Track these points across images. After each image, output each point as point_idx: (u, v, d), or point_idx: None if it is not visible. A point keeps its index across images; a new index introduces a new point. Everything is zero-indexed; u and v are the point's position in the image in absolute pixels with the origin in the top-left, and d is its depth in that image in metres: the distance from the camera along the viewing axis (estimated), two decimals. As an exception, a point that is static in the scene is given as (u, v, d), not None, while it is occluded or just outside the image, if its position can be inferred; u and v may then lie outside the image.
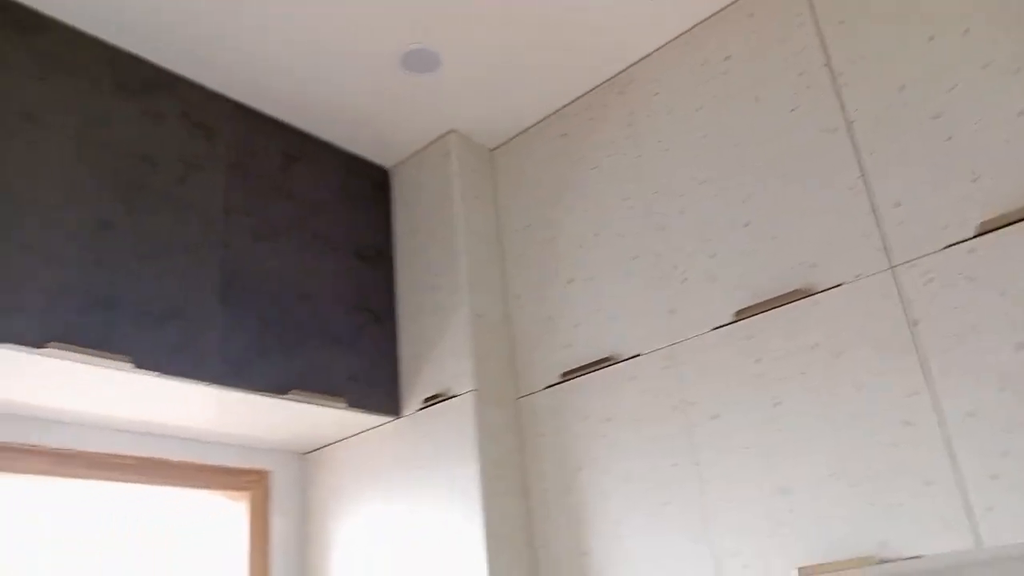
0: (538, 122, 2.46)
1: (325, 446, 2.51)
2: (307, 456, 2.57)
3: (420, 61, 2.17)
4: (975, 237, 1.55)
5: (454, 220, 2.35)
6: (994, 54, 1.60)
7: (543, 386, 2.19)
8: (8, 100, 1.77)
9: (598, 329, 2.11)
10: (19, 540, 1.92)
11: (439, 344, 2.27)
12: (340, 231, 2.39)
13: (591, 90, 2.34)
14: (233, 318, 2.02)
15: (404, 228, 2.52)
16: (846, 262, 1.71)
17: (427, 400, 2.23)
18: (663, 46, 2.19)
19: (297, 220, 2.28)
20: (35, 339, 1.64)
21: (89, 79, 1.94)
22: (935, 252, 1.59)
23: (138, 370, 1.79)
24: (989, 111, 1.58)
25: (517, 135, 2.51)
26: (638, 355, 2.01)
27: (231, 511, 2.37)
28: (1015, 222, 1.50)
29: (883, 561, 1.50)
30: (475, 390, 2.13)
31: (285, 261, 2.20)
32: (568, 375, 2.13)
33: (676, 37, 2.16)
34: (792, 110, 1.88)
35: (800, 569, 1.59)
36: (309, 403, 2.10)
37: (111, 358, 1.74)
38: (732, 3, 2.06)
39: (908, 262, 1.62)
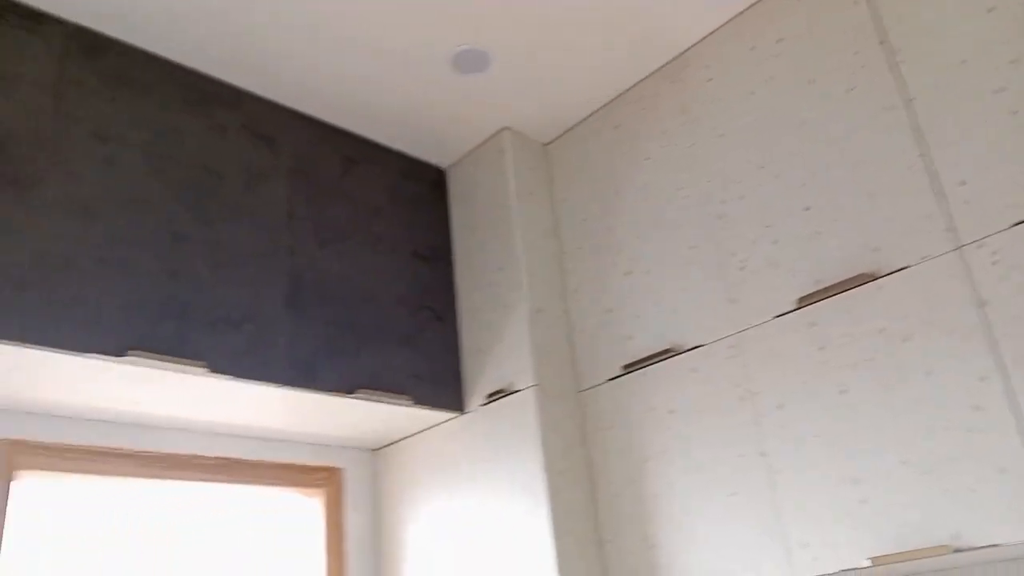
0: (590, 115, 2.46)
1: (394, 443, 2.57)
2: (377, 452, 2.64)
3: (470, 61, 2.20)
4: (1046, 214, 1.50)
5: (511, 216, 2.37)
6: (1061, 22, 1.54)
7: (605, 379, 2.20)
8: (81, 121, 1.86)
9: (658, 320, 2.11)
10: (109, 539, 2.02)
11: (500, 340, 2.30)
12: (399, 232, 2.44)
13: (643, 80, 2.33)
14: (300, 321, 2.08)
15: (462, 226, 2.56)
16: (910, 244, 1.67)
17: (489, 396, 2.26)
18: (714, 31, 2.16)
19: (358, 223, 2.34)
20: (115, 349, 1.73)
21: (156, 97, 2.02)
22: (1003, 231, 1.54)
23: (212, 374, 1.86)
24: (1058, 82, 1.52)
25: (570, 129, 2.52)
26: (700, 345, 2.00)
27: (307, 508, 2.45)
28: (1089, 196, 1.45)
29: (957, 550, 1.47)
30: (536, 385, 2.15)
31: (347, 264, 2.26)
32: (629, 367, 2.13)
33: (727, 22, 2.14)
34: (849, 90, 1.84)
35: (873, 559, 1.56)
36: (376, 401, 2.16)
37: (187, 363, 1.82)
38: (784, -16, 2.03)
39: (975, 242, 1.57)
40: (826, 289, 1.77)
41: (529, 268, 2.31)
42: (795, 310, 1.83)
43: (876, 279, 1.70)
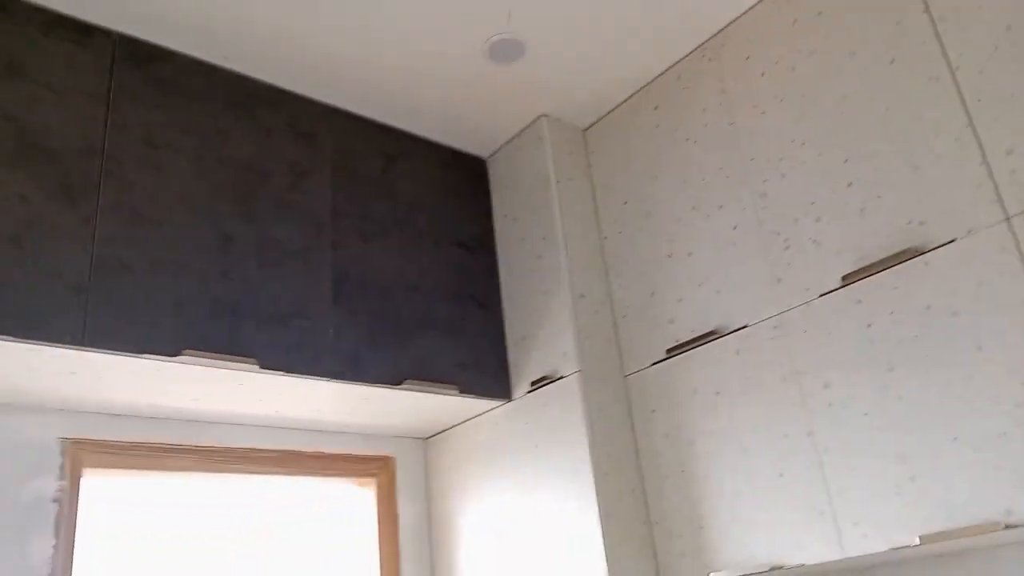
0: (628, 97, 2.45)
1: (444, 431, 2.61)
2: (428, 441, 2.68)
3: (505, 51, 2.20)
4: (1099, 181, 1.44)
5: (551, 203, 2.38)
6: (1112, -20, 1.48)
7: (649, 363, 2.19)
8: (130, 128, 1.93)
9: (702, 303, 2.10)
10: (172, 534, 2.10)
11: (543, 327, 2.31)
12: (441, 224, 2.47)
13: (681, 59, 2.31)
14: (346, 316, 2.13)
15: (503, 215, 2.57)
16: (958, 217, 1.63)
17: (535, 383, 2.28)
18: (753, 7, 2.13)
19: (400, 217, 2.37)
20: (170, 349, 1.79)
21: (202, 101, 2.08)
22: (1054, 200, 1.49)
23: (264, 370, 1.92)
24: (1109, 43, 1.47)
25: (608, 112, 2.51)
26: (744, 327, 1.98)
27: (360, 498, 2.51)
28: None
29: (1008, 527, 1.44)
30: (580, 370, 2.16)
31: (391, 257, 2.30)
32: (673, 351, 2.12)
33: (764, -3, 2.10)
34: (891, 62, 1.80)
35: (923, 537, 1.54)
36: (423, 392, 2.20)
37: (239, 360, 1.87)
38: (820, -45, 1.98)
39: (1023, 213, 1.53)
40: (872, 266, 1.74)
41: (570, 254, 2.32)
42: (840, 288, 1.80)
43: (922, 254, 1.67)
